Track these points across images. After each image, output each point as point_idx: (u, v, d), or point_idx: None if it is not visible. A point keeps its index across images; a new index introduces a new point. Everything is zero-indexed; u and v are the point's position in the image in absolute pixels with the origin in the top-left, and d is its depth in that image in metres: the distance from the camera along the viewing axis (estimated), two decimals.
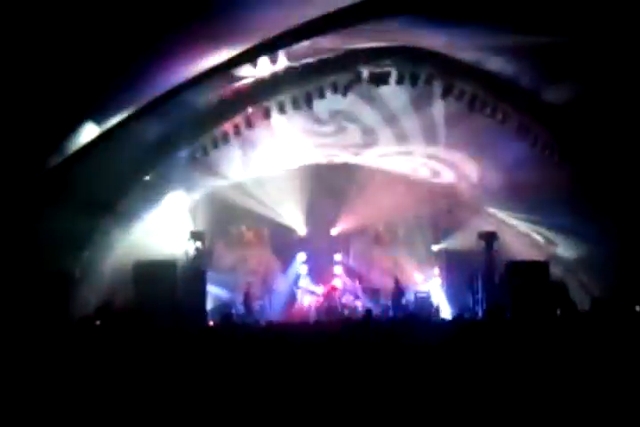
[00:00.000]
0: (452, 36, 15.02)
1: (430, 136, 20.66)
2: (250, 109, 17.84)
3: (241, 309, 24.13)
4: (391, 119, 20.03)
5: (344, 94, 17.47)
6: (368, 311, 18.67)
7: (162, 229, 22.09)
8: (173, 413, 8.60)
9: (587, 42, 13.68)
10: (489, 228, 23.44)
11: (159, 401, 8.85)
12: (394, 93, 18.34)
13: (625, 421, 8.15)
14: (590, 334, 11.40)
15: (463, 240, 24.60)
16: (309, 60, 16.49)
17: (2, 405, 8.49)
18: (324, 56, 16.49)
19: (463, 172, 22.79)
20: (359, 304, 24.74)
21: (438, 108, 18.80)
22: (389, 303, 24.90)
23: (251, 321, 21.31)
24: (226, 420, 8.47)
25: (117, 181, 17.64)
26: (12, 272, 15.02)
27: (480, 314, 21.79)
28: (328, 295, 25.13)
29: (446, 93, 17.27)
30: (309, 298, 25.38)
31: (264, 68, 16.23)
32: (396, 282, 25.16)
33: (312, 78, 17.18)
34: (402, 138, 21.35)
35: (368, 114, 19.87)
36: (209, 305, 22.79)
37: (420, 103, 18.80)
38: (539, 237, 23.41)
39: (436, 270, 26.87)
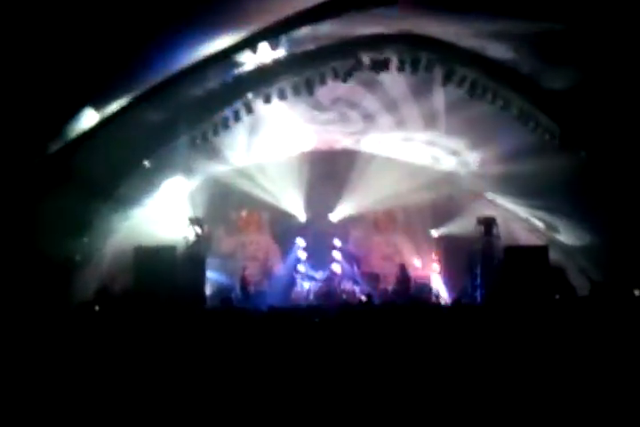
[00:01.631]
0: (452, 23, 15.02)
1: (430, 123, 20.65)
2: (250, 95, 17.82)
3: (240, 294, 24.19)
4: (392, 106, 20.05)
5: (344, 81, 17.46)
6: (369, 296, 18.72)
7: (161, 214, 22.14)
8: (174, 397, 8.64)
9: (587, 28, 13.69)
10: (488, 213, 23.46)
11: (159, 386, 8.90)
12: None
13: (624, 404, 8.21)
14: (589, 319, 11.46)
15: (462, 226, 24.57)
16: (310, 46, 16.46)
17: (2, 390, 8.56)
18: (325, 42, 16.46)
19: (463, 158, 22.78)
20: (358, 289, 24.82)
21: (438, 96, 18.80)
22: (389, 288, 25.00)
23: (249, 306, 21.36)
24: (226, 404, 8.53)
25: (117, 167, 17.66)
26: (12, 258, 15.06)
27: (479, 299, 21.84)
28: (327, 280, 25.20)
29: (447, 80, 17.25)
30: (308, 283, 25.41)
31: (265, 54, 16.21)
32: (402, 268, 25.23)
33: (313, 64, 17.14)
34: (402, 124, 21.38)
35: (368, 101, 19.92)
36: (208, 290, 22.86)
37: (420, 90, 18.82)
38: (538, 223, 23.45)
39: (435, 256, 26.90)
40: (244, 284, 24.58)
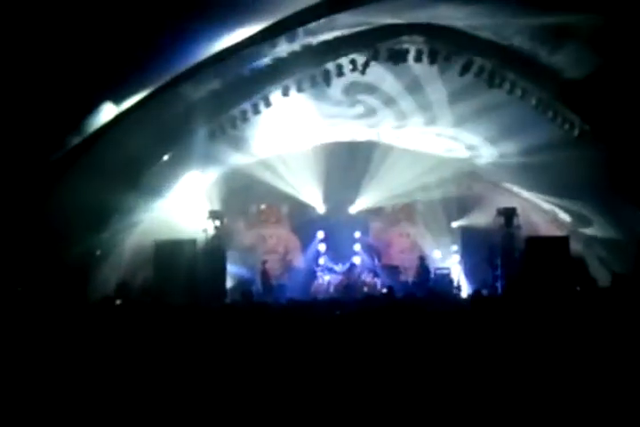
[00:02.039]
0: (471, 13, 14.94)
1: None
2: (268, 88, 17.82)
3: (262, 287, 24.22)
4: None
5: (362, 72, 17.42)
6: (390, 289, 18.68)
7: (181, 208, 22.18)
8: (195, 390, 8.64)
9: (607, 17, 13.59)
10: (509, 204, 23.39)
11: (180, 379, 8.90)
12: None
13: None
14: (610, 311, 11.38)
15: (482, 217, 24.53)
16: (327, 37, 16.42)
17: (24, 383, 8.58)
18: (342, 33, 16.42)
19: (484, 150, 22.67)
20: (378, 282, 24.81)
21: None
22: (409, 280, 25.00)
23: (269, 299, 21.40)
24: (247, 396, 8.51)
25: (137, 161, 17.69)
26: (32, 253, 15.12)
27: (499, 290, 21.79)
28: (347, 273, 25.20)
29: (465, 69, 17.18)
30: (329, 276, 25.42)
31: (282, 46, 16.19)
32: (421, 259, 25.27)
33: (330, 56, 17.13)
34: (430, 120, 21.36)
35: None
36: (228, 284, 22.93)
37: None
38: (558, 213, 23.36)
39: (455, 247, 26.86)
40: (266, 277, 24.62)
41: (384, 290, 22.31)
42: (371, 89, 19.57)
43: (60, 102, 13.15)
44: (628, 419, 7.84)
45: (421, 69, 17.90)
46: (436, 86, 18.87)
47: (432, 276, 25.11)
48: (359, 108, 21.10)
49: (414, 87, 19.16)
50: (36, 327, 10.58)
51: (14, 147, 13.20)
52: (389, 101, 20.34)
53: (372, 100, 20.49)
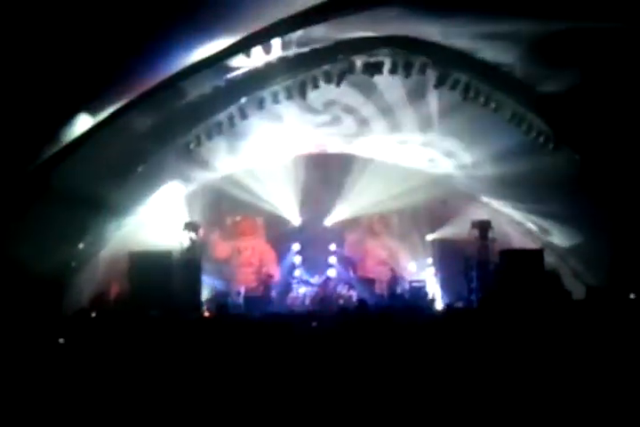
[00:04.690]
0: (446, 25, 14.99)
1: (425, 125, 20.58)
2: (243, 100, 17.80)
3: (237, 299, 24.12)
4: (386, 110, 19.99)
5: (337, 84, 17.46)
6: (361, 302, 18.73)
7: (157, 219, 22.11)
8: (169, 403, 8.61)
9: (583, 29, 13.67)
10: (483, 217, 23.45)
11: (154, 392, 8.87)
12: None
13: (621, 408, 8.19)
14: (585, 323, 11.44)
15: (458, 229, 24.55)
16: (303, 49, 16.44)
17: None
18: (318, 45, 16.45)
19: (459, 160, 22.71)
20: (354, 294, 24.80)
21: (433, 98, 18.76)
22: (384, 293, 25.00)
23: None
24: (222, 410, 8.48)
25: (111, 173, 17.60)
26: (6, 265, 15.00)
27: (475, 302, 21.82)
28: (323, 285, 25.19)
29: (440, 82, 17.26)
30: (304, 288, 25.40)
31: (258, 58, 16.20)
32: (392, 271, 25.28)
33: (305, 68, 17.15)
34: (396, 127, 21.28)
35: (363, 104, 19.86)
36: (204, 296, 22.85)
37: (414, 94, 18.78)
38: (533, 226, 23.45)
39: (431, 260, 26.90)
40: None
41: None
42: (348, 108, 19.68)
43: (35, 115, 13.08)
44: None
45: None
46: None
47: (406, 288, 25.11)
48: (335, 121, 21.10)
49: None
50: (9, 340, 10.52)
51: None
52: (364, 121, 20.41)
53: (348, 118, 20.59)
